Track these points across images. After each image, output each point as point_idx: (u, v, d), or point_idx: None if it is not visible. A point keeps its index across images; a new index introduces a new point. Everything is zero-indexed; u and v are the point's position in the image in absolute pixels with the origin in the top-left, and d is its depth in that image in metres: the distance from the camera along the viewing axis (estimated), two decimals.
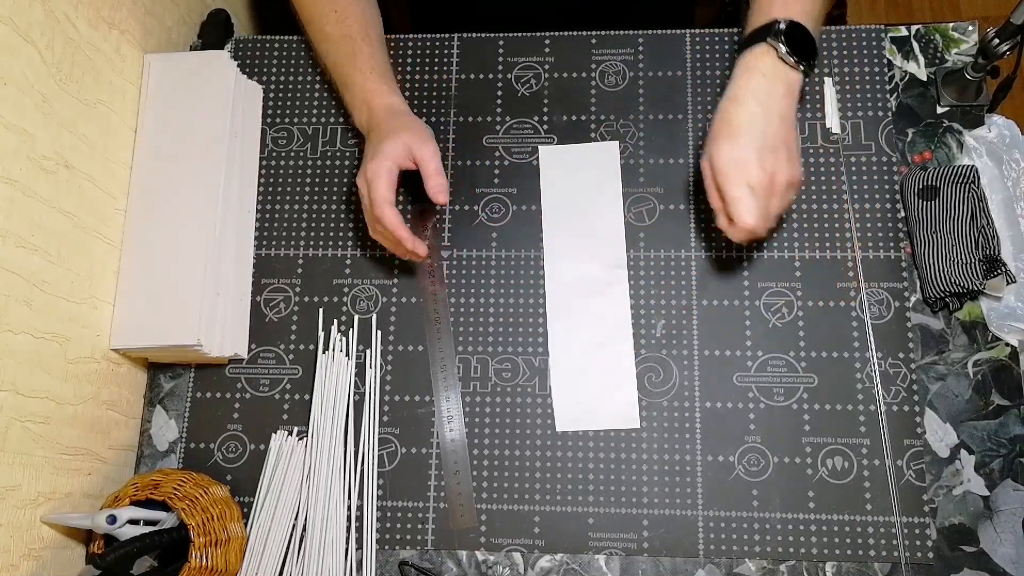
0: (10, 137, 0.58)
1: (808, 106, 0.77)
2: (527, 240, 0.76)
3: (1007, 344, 0.70)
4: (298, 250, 0.78)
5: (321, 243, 0.77)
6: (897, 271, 0.72)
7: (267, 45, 0.84)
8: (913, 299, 0.72)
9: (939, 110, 0.76)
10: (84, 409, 0.67)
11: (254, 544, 0.68)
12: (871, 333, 0.71)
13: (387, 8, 0.79)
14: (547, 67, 0.81)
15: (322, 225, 0.78)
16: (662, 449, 0.70)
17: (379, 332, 0.75)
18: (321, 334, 0.75)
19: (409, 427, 0.72)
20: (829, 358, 0.71)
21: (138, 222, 0.73)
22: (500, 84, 0.81)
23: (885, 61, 0.78)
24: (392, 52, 0.81)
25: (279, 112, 0.82)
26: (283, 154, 0.80)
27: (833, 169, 0.75)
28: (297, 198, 0.79)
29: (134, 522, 0.63)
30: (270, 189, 0.79)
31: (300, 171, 0.80)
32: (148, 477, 0.66)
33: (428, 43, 0.83)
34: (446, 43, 0.83)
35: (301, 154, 0.80)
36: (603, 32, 0.81)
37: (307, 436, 0.71)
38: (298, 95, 0.82)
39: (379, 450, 0.72)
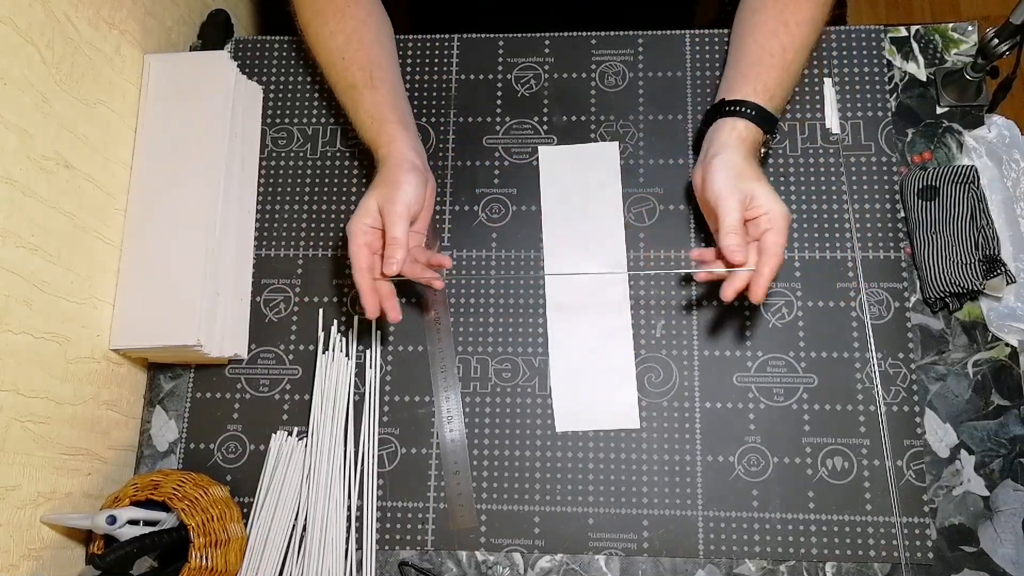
0: (10, 137, 0.58)
1: (808, 106, 0.77)
2: (527, 240, 0.76)
3: (1007, 344, 0.70)
4: (298, 250, 0.78)
5: (321, 243, 0.77)
6: (897, 271, 0.72)
7: (267, 45, 0.84)
8: (913, 299, 0.72)
9: (939, 110, 0.76)
10: (84, 409, 0.67)
11: (254, 544, 0.68)
12: (871, 333, 0.71)
13: (387, 8, 0.78)
14: (547, 67, 0.81)
15: (322, 225, 0.78)
16: (662, 449, 0.70)
17: (379, 332, 0.75)
18: (321, 334, 0.75)
19: (409, 427, 0.72)
20: (829, 358, 0.71)
21: (138, 222, 0.73)
22: (500, 84, 0.81)
23: (885, 61, 0.78)
24: None
25: (279, 112, 0.82)
26: (283, 154, 0.80)
27: (833, 169, 0.75)
28: (297, 198, 0.79)
29: (134, 522, 0.62)
30: (270, 189, 0.79)
31: (300, 171, 0.80)
32: (148, 477, 0.66)
33: (428, 43, 0.83)
34: (446, 43, 0.83)
35: (301, 154, 0.80)
36: (603, 32, 0.81)
37: (307, 436, 0.71)
38: (298, 95, 0.82)
39: (379, 450, 0.72)
